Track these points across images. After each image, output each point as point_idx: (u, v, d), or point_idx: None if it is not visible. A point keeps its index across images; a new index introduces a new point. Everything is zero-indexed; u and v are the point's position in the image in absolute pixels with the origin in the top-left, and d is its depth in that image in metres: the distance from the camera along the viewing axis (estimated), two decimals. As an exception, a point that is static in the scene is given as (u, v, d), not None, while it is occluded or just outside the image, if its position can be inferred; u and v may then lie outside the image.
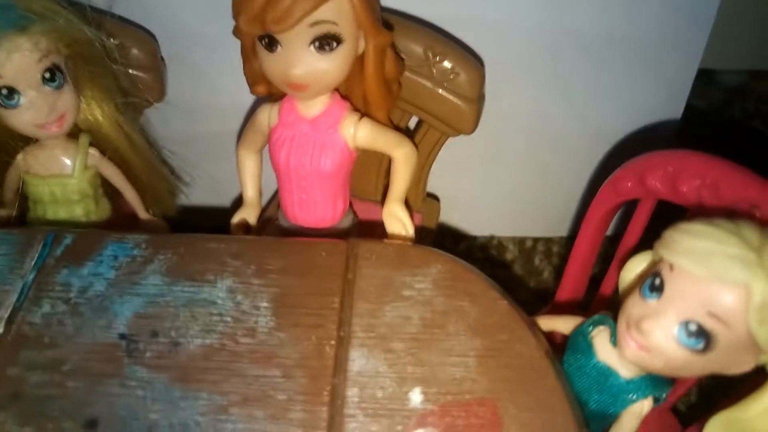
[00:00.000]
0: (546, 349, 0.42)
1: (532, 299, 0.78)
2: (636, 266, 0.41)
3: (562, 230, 0.83)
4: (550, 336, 0.48)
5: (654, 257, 0.39)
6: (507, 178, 0.78)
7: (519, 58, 0.67)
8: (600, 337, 0.41)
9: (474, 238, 0.84)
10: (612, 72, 0.69)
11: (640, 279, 0.40)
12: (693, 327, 0.35)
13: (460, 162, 0.75)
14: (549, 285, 0.81)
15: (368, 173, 0.65)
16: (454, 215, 0.82)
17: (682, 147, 0.94)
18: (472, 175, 0.78)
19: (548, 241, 0.83)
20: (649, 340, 0.36)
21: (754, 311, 0.33)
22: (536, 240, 0.84)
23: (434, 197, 0.71)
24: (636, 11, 0.64)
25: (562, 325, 0.46)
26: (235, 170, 0.59)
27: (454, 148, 0.66)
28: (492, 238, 0.84)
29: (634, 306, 0.37)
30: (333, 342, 0.42)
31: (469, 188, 0.79)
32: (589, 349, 0.41)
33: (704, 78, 1.08)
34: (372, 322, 0.42)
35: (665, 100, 0.72)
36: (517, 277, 0.81)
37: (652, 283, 0.36)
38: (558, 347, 0.45)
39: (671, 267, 0.36)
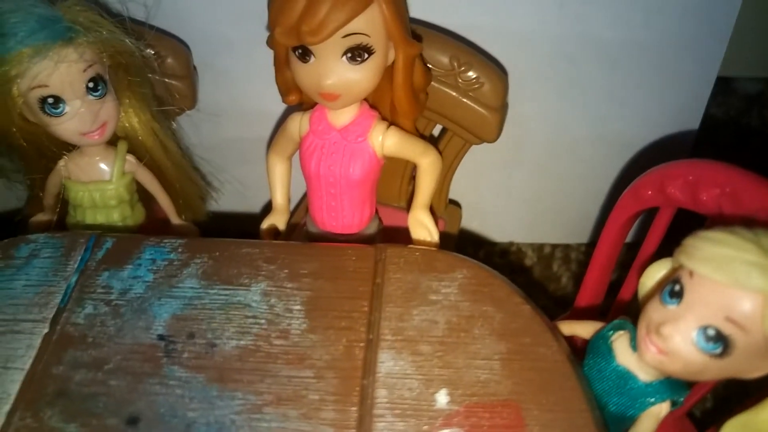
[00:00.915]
0: (567, 352, 0.43)
1: (550, 305, 0.80)
2: (656, 273, 0.42)
3: (580, 237, 0.85)
4: (570, 340, 0.49)
5: (674, 264, 0.40)
6: (526, 185, 0.79)
7: (538, 67, 0.68)
8: (620, 341, 0.43)
9: (494, 244, 0.85)
10: (630, 80, 0.70)
11: (660, 285, 0.41)
12: (711, 332, 0.36)
13: (480, 169, 0.77)
14: (567, 291, 0.82)
15: (392, 179, 0.67)
16: (474, 222, 0.84)
17: (701, 155, 0.95)
18: (492, 182, 0.79)
19: (566, 247, 0.85)
20: (668, 344, 0.37)
21: (772, 318, 0.34)
22: (555, 246, 0.85)
23: (456, 204, 0.73)
24: (654, 19, 0.65)
25: (582, 329, 0.47)
26: (262, 175, 0.60)
27: (474, 156, 0.67)
28: (511, 244, 0.85)
29: (654, 311, 0.39)
30: (362, 344, 0.43)
31: (489, 195, 0.80)
32: (609, 352, 0.43)
33: (722, 85, 1.09)
34: (400, 325, 0.44)
35: (683, 108, 0.73)
36: (535, 282, 0.82)
37: (672, 289, 0.38)
38: (578, 351, 0.47)
39: (691, 274, 0.37)
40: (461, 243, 0.84)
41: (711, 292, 0.36)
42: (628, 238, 0.56)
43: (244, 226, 0.66)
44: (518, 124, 0.73)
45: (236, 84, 0.69)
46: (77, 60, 0.50)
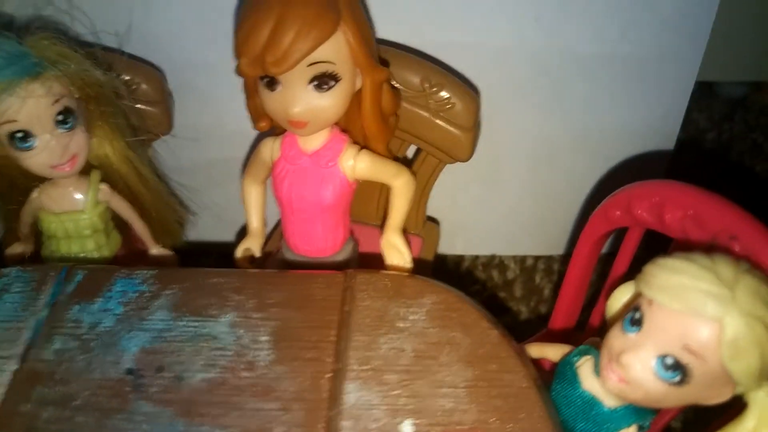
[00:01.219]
0: (535, 378, 0.43)
1: (533, 318, 0.80)
2: (622, 296, 0.42)
3: (562, 248, 0.85)
4: (539, 362, 0.49)
5: (636, 290, 0.40)
6: (507, 198, 0.79)
7: (516, 81, 0.69)
8: (585, 367, 0.43)
9: (476, 257, 0.85)
10: (609, 92, 0.70)
11: (626, 308, 0.41)
12: (670, 361, 0.36)
13: (461, 184, 0.77)
14: (550, 303, 0.82)
15: (369, 198, 0.67)
16: (456, 236, 0.84)
17: (684, 161, 0.95)
18: (473, 197, 0.79)
19: (549, 259, 0.85)
20: (628, 373, 0.37)
21: (727, 346, 0.34)
22: (537, 258, 0.85)
23: (434, 221, 0.73)
24: (631, 32, 0.65)
25: (552, 352, 0.47)
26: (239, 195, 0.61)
27: (455, 171, 0.67)
28: (493, 257, 0.85)
29: (615, 339, 0.39)
30: (329, 375, 0.43)
31: (471, 209, 0.80)
32: (574, 378, 0.43)
33: (705, 90, 1.09)
34: (367, 354, 0.44)
35: (663, 117, 0.73)
36: (517, 297, 0.82)
37: (633, 317, 0.38)
38: (547, 375, 0.47)
39: (650, 301, 0.37)
40: (443, 258, 0.85)
41: (668, 321, 0.36)
42: (606, 249, 0.56)
43: (222, 248, 0.66)
44: (498, 138, 0.73)
45: (214, 106, 0.69)
46: (45, 94, 0.50)
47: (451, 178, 0.74)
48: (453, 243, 0.85)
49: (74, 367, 0.45)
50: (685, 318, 0.35)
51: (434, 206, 0.75)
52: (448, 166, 0.64)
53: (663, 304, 0.36)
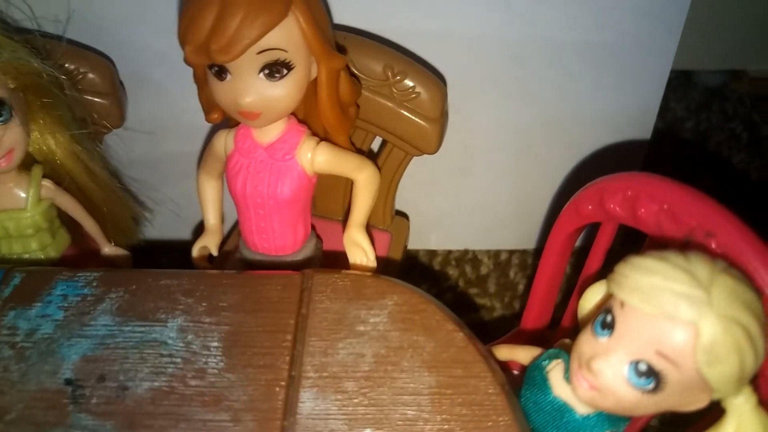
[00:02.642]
0: (502, 383, 0.40)
1: (507, 314, 0.77)
2: (593, 296, 0.40)
3: (536, 241, 0.82)
4: (509, 365, 0.47)
5: (607, 291, 0.38)
6: (481, 190, 0.77)
7: (487, 69, 0.66)
8: (555, 372, 0.40)
9: (449, 252, 0.83)
10: (583, 80, 0.68)
11: (598, 309, 0.39)
12: (643, 367, 0.34)
13: (432, 177, 0.74)
14: (525, 298, 0.79)
15: (334, 192, 0.64)
16: (429, 231, 0.81)
17: (661, 151, 0.93)
18: (445, 190, 0.77)
19: (523, 253, 0.82)
20: (599, 380, 0.35)
21: (702, 352, 0.32)
22: (511, 252, 0.83)
23: (403, 215, 0.70)
24: (606, 20, 0.63)
25: (522, 354, 0.45)
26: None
27: (426, 163, 0.65)
28: (466, 252, 0.83)
29: (585, 344, 0.36)
30: (284, 383, 0.41)
31: (443, 203, 0.78)
32: (544, 383, 0.40)
33: (683, 79, 1.07)
34: (324, 360, 0.41)
35: (640, 105, 0.71)
36: (491, 293, 0.80)
37: (604, 319, 0.36)
38: (517, 378, 0.45)
39: (622, 304, 0.35)
40: (415, 253, 0.82)
41: (641, 324, 0.33)
42: (580, 242, 0.54)
43: (181, 246, 0.63)
44: (469, 129, 0.71)
45: (169, 98, 0.66)
46: (-26, 85, 0.46)
47: (422, 171, 0.72)
48: (425, 238, 0.82)
49: (8, 378, 0.42)
50: (658, 321, 0.33)
51: (405, 200, 0.72)
52: (419, 158, 0.61)
53: (635, 307, 0.33)
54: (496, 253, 0.83)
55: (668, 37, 0.64)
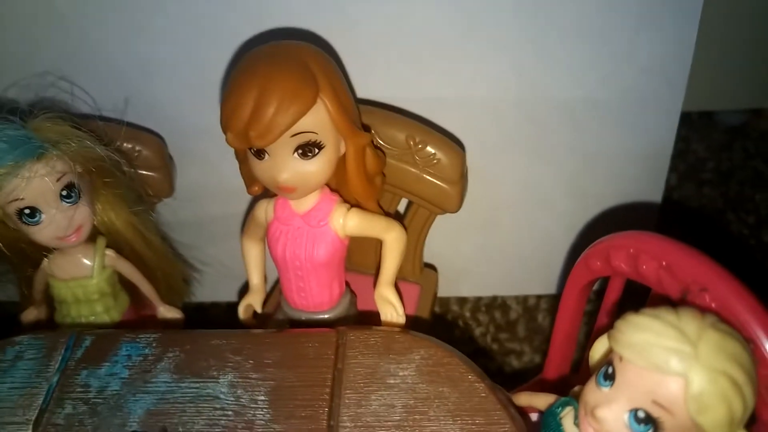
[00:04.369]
0: (521, 429, 0.45)
1: (536, 357, 0.81)
2: (601, 348, 0.44)
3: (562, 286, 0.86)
4: (527, 410, 0.51)
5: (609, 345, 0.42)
6: (506, 241, 0.81)
7: (505, 131, 0.71)
8: (567, 418, 0.44)
9: (479, 298, 0.87)
10: (593, 136, 0.71)
11: (604, 359, 0.43)
12: (641, 414, 0.37)
13: (459, 231, 0.79)
14: (553, 342, 0.83)
15: (366, 248, 0.69)
16: (458, 280, 0.86)
17: (683, 192, 0.96)
18: (472, 242, 0.81)
19: (551, 297, 0.86)
20: (603, 426, 0.39)
21: (693, 401, 0.35)
22: (539, 297, 0.86)
23: (432, 267, 0.75)
24: (610, 79, 0.67)
25: (540, 401, 0.49)
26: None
27: (454, 219, 0.69)
28: (495, 298, 0.87)
29: (590, 393, 0.40)
30: (323, 432, 0.45)
31: (470, 254, 0.82)
32: (558, 429, 0.44)
33: (704, 120, 1.10)
34: (359, 411, 0.46)
35: (649, 156, 0.74)
36: (520, 337, 0.83)
37: (606, 371, 0.39)
38: (536, 422, 0.48)
39: (620, 357, 0.38)
40: (445, 301, 0.86)
41: (637, 376, 0.37)
42: (597, 286, 0.57)
43: (229, 301, 0.68)
44: (491, 185, 0.75)
45: (213, 168, 0.72)
46: (49, 173, 0.53)
47: (450, 225, 0.76)
48: (456, 286, 0.87)
49: (83, 431, 0.47)
50: (652, 374, 0.37)
51: (435, 252, 0.77)
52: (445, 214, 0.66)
53: (631, 361, 0.37)
54: (525, 299, 0.86)
55: (672, 92, 0.68)
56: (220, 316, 0.84)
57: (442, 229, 0.72)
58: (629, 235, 0.48)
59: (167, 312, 0.66)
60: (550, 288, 0.86)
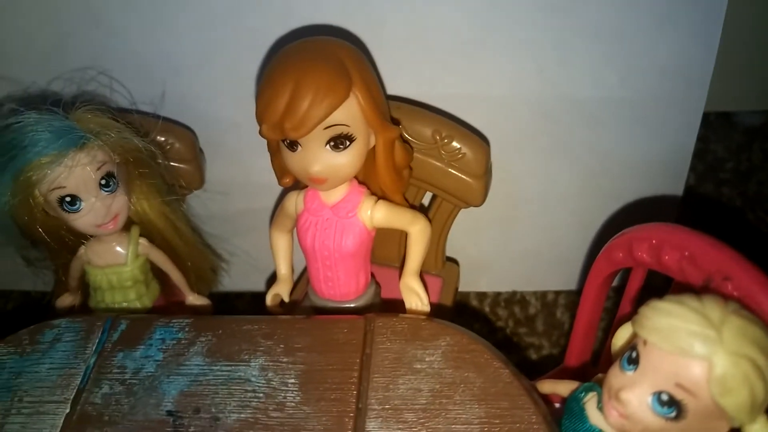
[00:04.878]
0: (545, 414, 0.46)
1: (554, 352, 0.82)
2: (624, 335, 0.45)
3: (582, 282, 0.87)
4: (551, 398, 0.52)
5: (633, 330, 0.43)
6: (525, 237, 0.82)
7: (524, 128, 0.72)
8: (591, 403, 0.45)
9: (498, 293, 0.88)
10: (612, 135, 0.72)
11: (627, 345, 0.44)
12: (665, 397, 0.39)
13: (479, 226, 0.80)
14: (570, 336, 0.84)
15: (390, 241, 0.71)
16: (478, 274, 0.87)
17: (703, 192, 0.96)
18: (492, 237, 0.82)
19: (569, 293, 0.87)
20: (627, 409, 0.40)
21: (716, 383, 0.37)
22: (557, 293, 0.87)
23: (454, 261, 0.76)
24: (630, 78, 0.68)
25: (562, 388, 0.50)
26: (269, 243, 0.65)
27: (473, 214, 0.70)
28: (515, 293, 0.88)
29: (614, 377, 0.41)
30: (352, 414, 0.47)
31: (491, 249, 0.83)
32: (581, 413, 0.45)
33: (723, 120, 1.11)
34: (387, 395, 0.48)
35: (669, 156, 0.74)
36: (539, 332, 0.85)
37: (630, 356, 0.41)
38: (559, 408, 0.50)
39: (644, 342, 0.40)
40: (466, 295, 0.88)
41: (661, 360, 0.39)
42: (617, 282, 0.58)
43: (254, 291, 0.69)
44: (511, 182, 0.77)
45: (242, 162, 0.74)
46: (90, 162, 0.55)
47: (471, 221, 0.77)
48: (476, 281, 0.88)
49: (120, 410, 0.49)
50: (676, 357, 0.38)
51: (456, 247, 0.78)
52: (467, 210, 0.67)
53: (655, 345, 0.39)
54: (543, 294, 0.87)
55: (694, 93, 0.69)
56: (245, 306, 0.86)
57: (462, 225, 0.74)
58: (652, 226, 0.50)
59: (196, 300, 0.68)
60: (569, 284, 0.87)
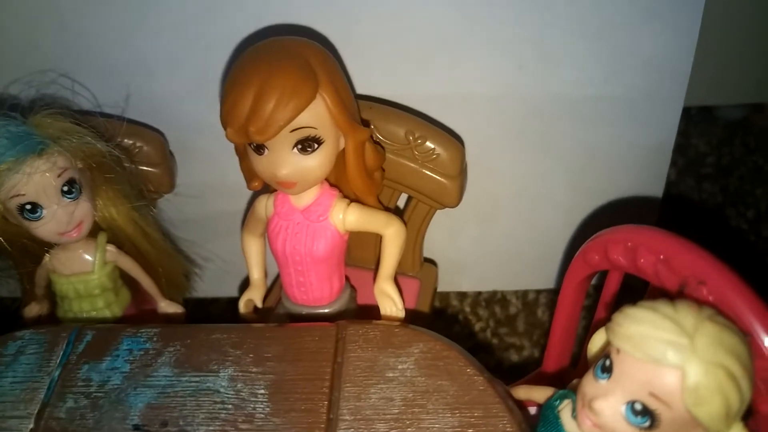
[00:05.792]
0: (519, 422, 0.45)
1: (535, 353, 0.81)
2: (598, 341, 0.44)
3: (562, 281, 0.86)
4: (525, 404, 0.51)
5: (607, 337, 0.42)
6: (507, 236, 0.81)
7: (507, 125, 0.71)
8: (566, 411, 0.44)
9: (478, 293, 0.87)
10: (596, 131, 0.72)
11: (601, 352, 0.43)
12: (638, 406, 0.38)
13: (459, 225, 0.79)
14: (552, 336, 0.83)
15: (367, 243, 0.70)
16: (458, 274, 0.86)
17: (684, 187, 0.96)
18: (472, 236, 0.81)
19: (550, 292, 0.86)
20: (600, 418, 0.39)
21: (689, 393, 0.36)
22: (538, 292, 0.87)
23: (432, 262, 0.75)
24: (614, 75, 0.67)
25: (538, 394, 0.49)
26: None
27: (453, 214, 0.69)
28: (495, 293, 0.87)
29: (587, 385, 0.40)
30: (323, 425, 0.46)
31: (471, 248, 0.82)
32: (556, 421, 0.44)
33: (704, 115, 1.10)
34: (358, 404, 0.46)
35: (651, 151, 0.74)
36: (520, 332, 0.84)
37: (603, 364, 0.40)
38: (534, 415, 0.49)
39: (617, 350, 0.39)
40: (446, 296, 0.87)
41: (634, 369, 0.38)
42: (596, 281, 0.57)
43: (229, 297, 0.68)
44: (493, 179, 0.76)
45: (214, 164, 0.72)
46: (50, 169, 0.53)
47: (450, 220, 0.76)
48: (456, 281, 0.87)
49: (85, 425, 0.48)
50: (649, 366, 0.37)
51: (435, 247, 0.77)
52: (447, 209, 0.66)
53: (628, 353, 0.38)
54: (524, 293, 0.87)
55: (674, 87, 0.68)
56: (220, 312, 0.85)
57: (441, 224, 0.73)
58: (627, 228, 0.49)
59: (168, 307, 0.66)
60: (550, 283, 0.86)
